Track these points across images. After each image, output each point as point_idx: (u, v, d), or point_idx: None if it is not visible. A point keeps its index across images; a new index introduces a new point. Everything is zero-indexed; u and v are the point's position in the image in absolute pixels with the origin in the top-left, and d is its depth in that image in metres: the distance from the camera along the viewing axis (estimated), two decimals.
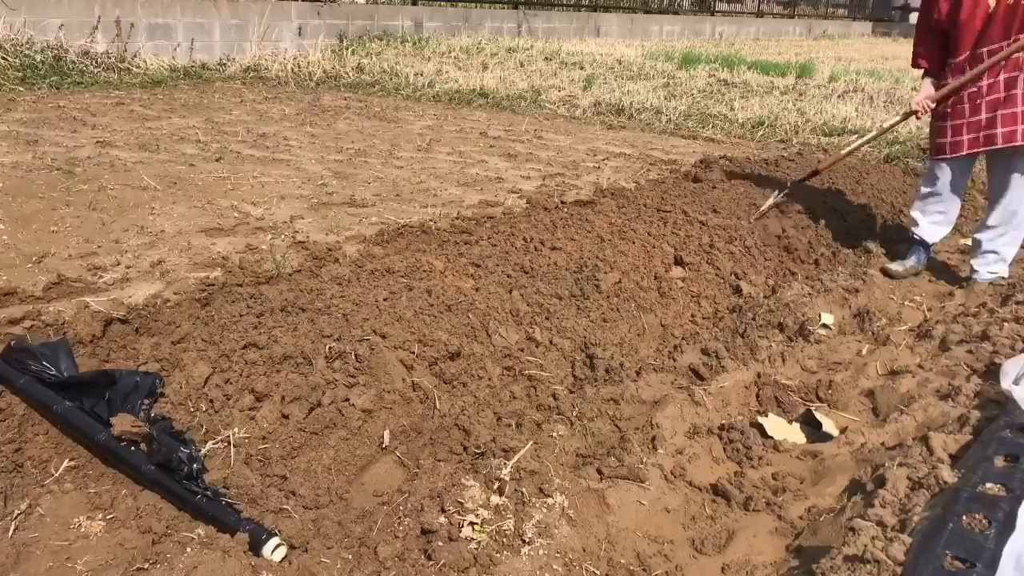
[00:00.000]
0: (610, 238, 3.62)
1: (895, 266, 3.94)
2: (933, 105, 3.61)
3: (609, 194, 4.45)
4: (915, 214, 3.96)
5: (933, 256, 4.13)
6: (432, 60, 10.04)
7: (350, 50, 10.16)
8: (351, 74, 9.11)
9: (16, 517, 1.76)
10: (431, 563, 1.72)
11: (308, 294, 2.63)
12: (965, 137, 3.57)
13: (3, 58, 7.24)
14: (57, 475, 1.91)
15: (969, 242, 4.51)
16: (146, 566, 1.65)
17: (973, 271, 3.82)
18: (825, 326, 3.32)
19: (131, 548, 1.71)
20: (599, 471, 2.17)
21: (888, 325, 3.39)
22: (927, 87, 3.70)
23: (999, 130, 3.45)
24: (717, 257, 3.71)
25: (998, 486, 1.79)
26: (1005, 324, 3.08)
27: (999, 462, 1.94)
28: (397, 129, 6.30)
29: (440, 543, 1.75)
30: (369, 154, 5.26)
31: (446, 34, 11.94)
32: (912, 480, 1.99)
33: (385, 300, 2.64)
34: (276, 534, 1.73)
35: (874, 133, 4.16)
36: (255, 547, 1.69)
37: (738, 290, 3.56)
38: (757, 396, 2.76)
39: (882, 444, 2.43)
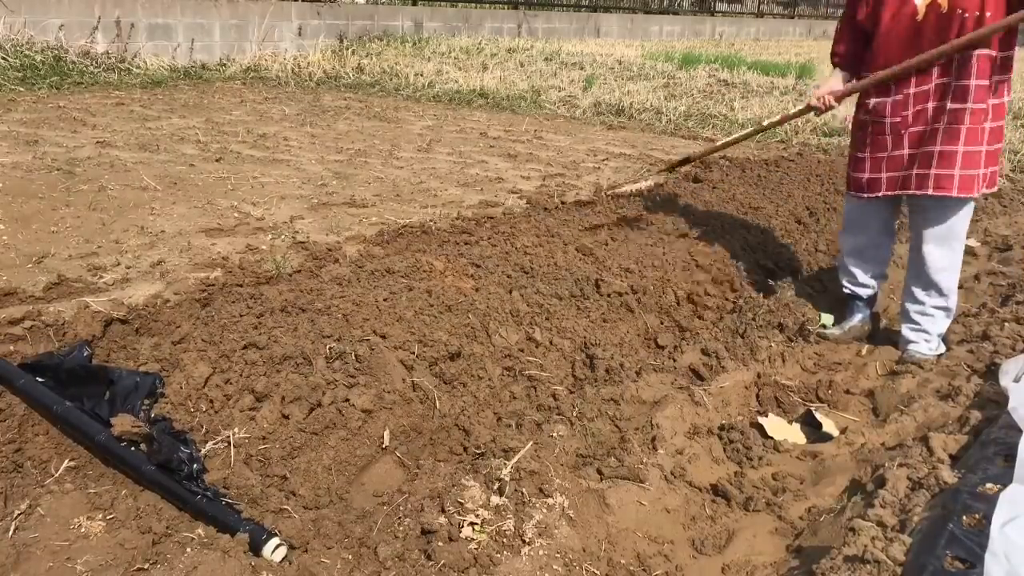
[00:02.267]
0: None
1: (834, 331, 3.28)
2: (835, 103, 3.03)
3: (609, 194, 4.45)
4: (842, 264, 3.32)
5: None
6: (432, 60, 10.04)
7: (350, 50, 10.16)
8: (351, 74, 9.10)
9: (16, 517, 1.76)
10: (431, 563, 1.72)
11: (308, 294, 2.63)
12: (884, 175, 2.92)
13: (3, 58, 7.24)
14: (57, 475, 1.91)
15: (971, 242, 4.51)
16: (146, 566, 1.65)
17: (907, 342, 3.07)
18: (825, 326, 3.32)
19: (131, 548, 1.71)
20: (599, 471, 2.17)
21: (888, 325, 3.39)
22: (834, 80, 3.06)
23: (931, 171, 2.77)
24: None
25: (998, 486, 1.79)
26: (1005, 324, 3.09)
27: (999, 462, 1.94)
28: (397, 129, 6.30)
29: (440, 543, 1.75)
30: (369, 154, 5.26)
31: (446, 34, 11.94)
32: (912, 480, 1.99)
33: (385, 300, 2.64)
34: (276, 534, 1.73)
35: (766, 124, 3.53)
36: (255, 547, 1.69)
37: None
38: (757, 396, 2.76)
39: (882, 444, 2.43)
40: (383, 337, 2.42)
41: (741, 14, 21.66)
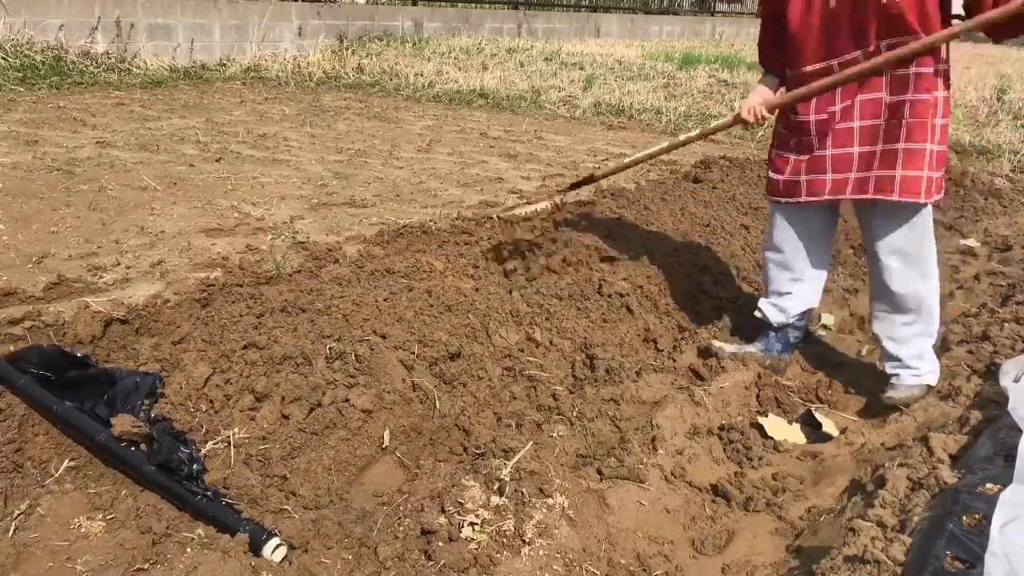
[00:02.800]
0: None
1: (723, 345, 2.90)
2: (767, 114, 2.59)
3: (609, 194, 4.45)
4: (763, 283, 2.92)
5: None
6: (432, 60, 10.04)
7: (350, 50, 10.16)
8: (351, 74, 9.11)
9: (16, 517, 1.76)
10: (431, 563, 1.72)
11: (308, 294, 2.63)
12: (804, 177, 2.53)
13: (3, 58, 7.24)
14: (57, 475, 1.91)
15: (971, 242, 4.51)
16: (146, 566, 1.65)
17: (888, 375, 2.67)
18: (825, 326, 3.31)
19: (131, 548, 1.71)
20: (599, 471, 2.17)
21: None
22: (763, 90, 2.67)
23: (871, 173, 2.40)
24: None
25: (998, 486, 1.79)
26: (1005, 324, 3.08)
27: (999, 462, 1.94)
28: (397, 129, 6.30)
29: (440, 543, 1.75)
30: (369, 154, 5.26)
31: (446, 34, 11.94)
32: (912, 480, 1.99)
33: (385, 300, 2.64)
34: (276, 534, 1.73)
35: (682, 138, 2.94)
36: (255, 547, 1.69)
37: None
38: (757, 396, 2.76)
39: (882, 444, 2.43)
40: (383, 337, 2.42)
41: (741, 14, 21.67)
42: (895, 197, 2.37)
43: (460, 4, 13.15)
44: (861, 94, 2.39)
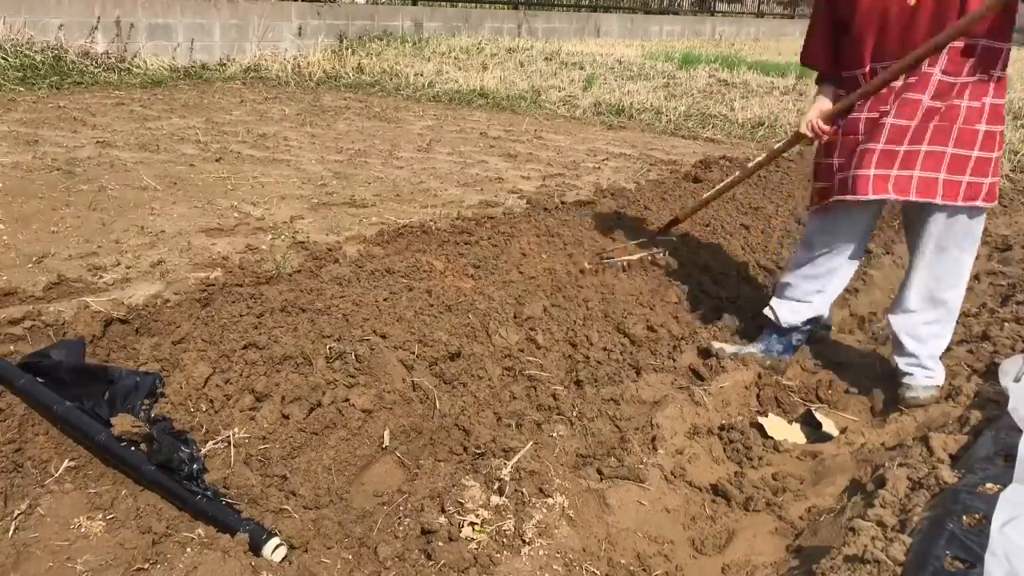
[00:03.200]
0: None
1: (724, 346, 2.91)
2: (825, 127, 2.52)
3: (609, 194, 4.45)
4: (781, 284, 2.88)
5: None
6: (432, 60, 10.04)
7: (350, 50, 10.16)
8: (351, 74, 9.11)
9: (16, 517, 1.76)
10: (431, 563, 1.72)
11: (308, 294, 2.63)
12: (855, 173, 2.41)
13: (3, 58, 7.24)
14: (57, 475, 1.91)
15: None
16: (146, 566, 1.65)
17: (902, 374, 2.65)
18: (825, 326, 3.31)
19: (131, 548, 1.71)
20: (599, 471, 2.17)
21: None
22: (823, 101, 2.57)
23: (915, 173, 2.34)
24: None
25: (998, 486, 1.79)
26: (1005, 324, 3.09)
27: (999, 462, 1.94)
28: (397, 129, 6.30)
29: (440, 543, 1.75)
30: (369, 154, 5.26)
31: (446, 34, 11.94)
32: (912, 480, 2.00)
33: (385, 300, 2.64)
34: (276, 534, 1.73)
35: (751, 165, 3.14)
36: (255, 547, 1.69)
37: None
38: (757, 396, 2.76)
39: (882, 444, 2.43)
40: (383, 337, 2.42)
41: (741, 14, 21.67)
42: (960, 202, 2.34)
43: (460, 4, 13.15)
44: (917, 93, 2.30)
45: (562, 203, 4.16)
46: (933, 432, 2.29)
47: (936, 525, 1.70)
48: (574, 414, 2.40)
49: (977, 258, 4.27)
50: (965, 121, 2.30)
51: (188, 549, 1.66)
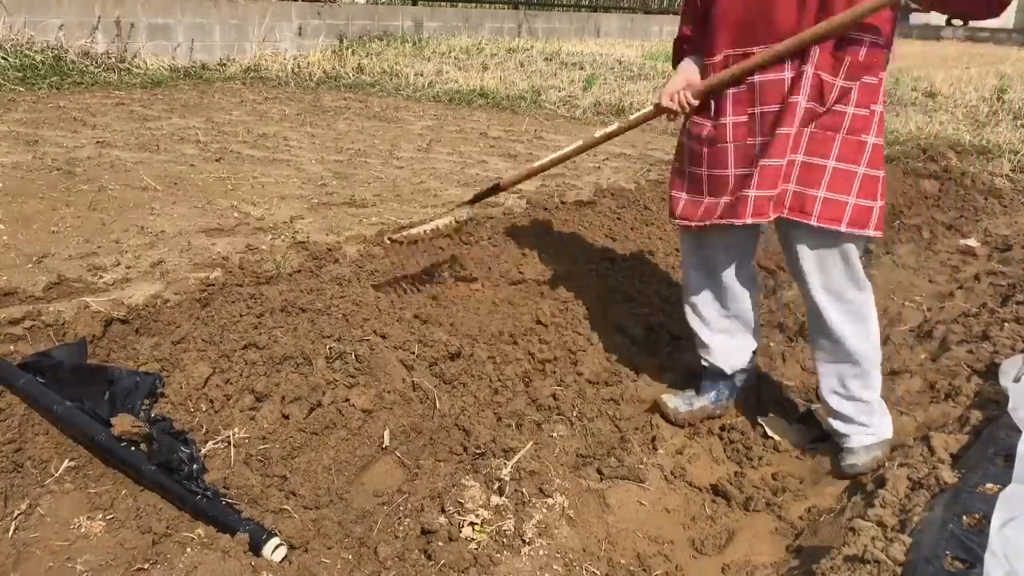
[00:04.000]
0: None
1: (676, 403, 2.50)
2: (693, 101, 2.15)
3: (609, 194, 4.45)
4: (694, 327, 2.50)
5: (930, 256, 3.48)
6: (432, 60, 10.04)
7: (350, 50, 10.15)
8: (351, 74, 9.10)
9: (16, 517, 1.76)
10: (431, 563, 1.72)
11: (308, 294, 2.63)
12: (705, 200, 2.17)
13: (3, 58, 7.24)
14: (57, 475, 1.91)
15: (971, 242, 4.50)
16: (146, 566, 1.65)
17: (840, 437, 2.30)
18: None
19: (131, 548, 1.71)
20: (599, 471, 2.17)
21: (888, 325, 3.38)
22: (688, 70, 2.20)
23: (789, 187, 2.02)
24: None
25: (998, 486, 1.79)
26: (1005, 324, 3.09)
27: (999, 462, 1.94)
28: (397, 129, 6.30)
29: (440, 543, 1.75)
30: (369, 154, 5.26)
31: (446, 34, 11.94)
32: (912, 480, 2.00)
33: (385, 300, 2.64)
34: (276, 534, 1.73)
35: (598, 135, 2.51)
36: (255, 547, 1.69)
37: None
38: (757, 396, 2.76)
39: None
40: (383, 337, 2.42)
41: None
42: (813, 221, 2.00)
43: (460, 4, 13.15)
44: (789, 96, 1.98)
45: (562, 203, 4.16)
46: (933, 432, 2.29)
47: (936, 525, 1.70)
48: (574, 414, 2.40)
49: (977, 258, 4.30)
50: (853, 132, 2.00)
51: (188, 549, 1.66)
